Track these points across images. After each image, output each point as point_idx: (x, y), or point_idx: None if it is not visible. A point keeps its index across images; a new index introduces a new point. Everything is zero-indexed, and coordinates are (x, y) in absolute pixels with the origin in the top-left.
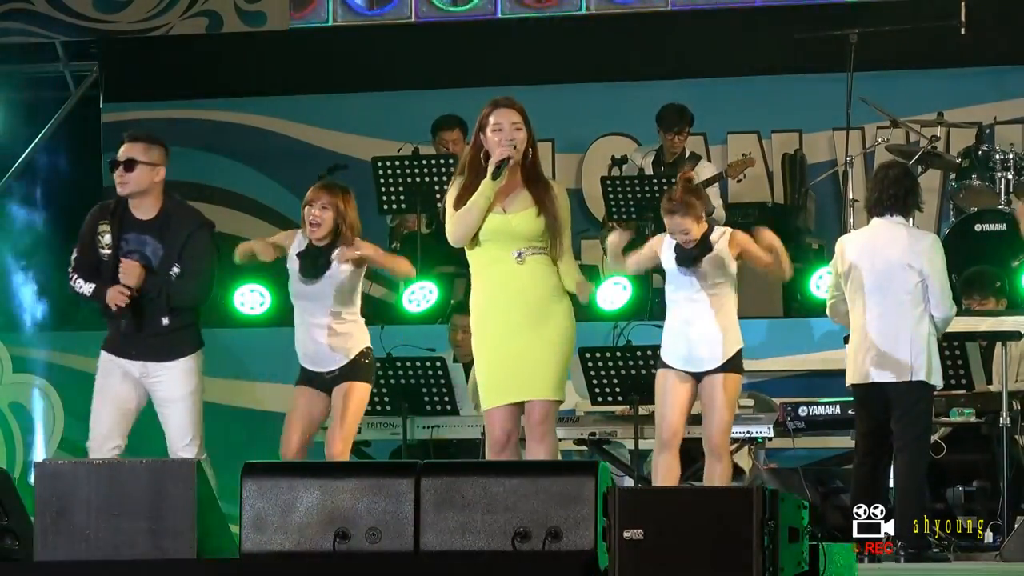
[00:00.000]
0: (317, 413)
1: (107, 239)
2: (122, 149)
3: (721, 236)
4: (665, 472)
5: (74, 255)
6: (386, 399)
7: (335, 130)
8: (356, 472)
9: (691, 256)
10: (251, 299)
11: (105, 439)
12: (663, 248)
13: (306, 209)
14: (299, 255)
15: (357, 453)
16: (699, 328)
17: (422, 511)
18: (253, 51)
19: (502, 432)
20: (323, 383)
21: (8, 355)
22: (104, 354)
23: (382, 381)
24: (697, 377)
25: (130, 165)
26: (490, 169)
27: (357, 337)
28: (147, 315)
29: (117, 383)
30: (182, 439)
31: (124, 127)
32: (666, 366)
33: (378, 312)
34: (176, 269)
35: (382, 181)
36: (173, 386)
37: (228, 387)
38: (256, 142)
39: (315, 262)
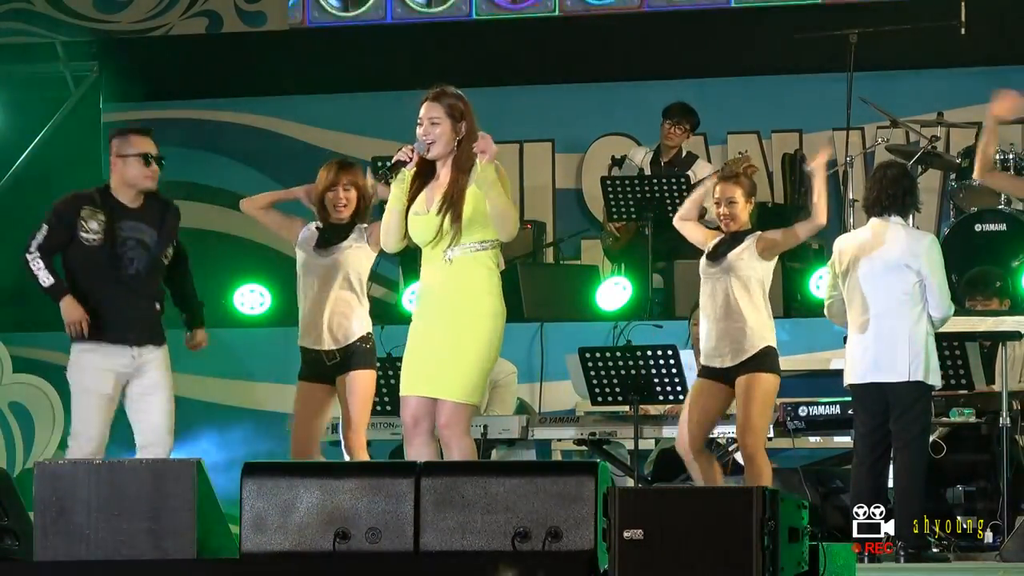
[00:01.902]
0: (319, 405)
1: (93, 225)
2: (150, 144)
3: (749, 236)
4: (697, 479)
5: (42, 235)
6: (386, 399)
7: (335, 130)
8: (356, 472)
9: (720, 251)
10: (251, 299)
11: (96, 449)
12: (710, 243)
13: (330, 194)
14: (318, 228)
15: None
16: (726, 324)
17: (422, 511)
18: (253, 51)
19: (411, 418)
20: (323, 370)
21: (8, 355)
22: (90, 351)
23: (382, 381)
24: (728, 376)
25: (160, 161)
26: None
27: (361, 321)
28: (145, 302)
29: (108, 388)
30: (166, 428)
31: (124, 127)
32: (701, 367)
33: (378, 312)
34: (170, 251)
35: None
36: (162, 372)
37: (228, 387)
38: (256, 142)
39: (335, 233)
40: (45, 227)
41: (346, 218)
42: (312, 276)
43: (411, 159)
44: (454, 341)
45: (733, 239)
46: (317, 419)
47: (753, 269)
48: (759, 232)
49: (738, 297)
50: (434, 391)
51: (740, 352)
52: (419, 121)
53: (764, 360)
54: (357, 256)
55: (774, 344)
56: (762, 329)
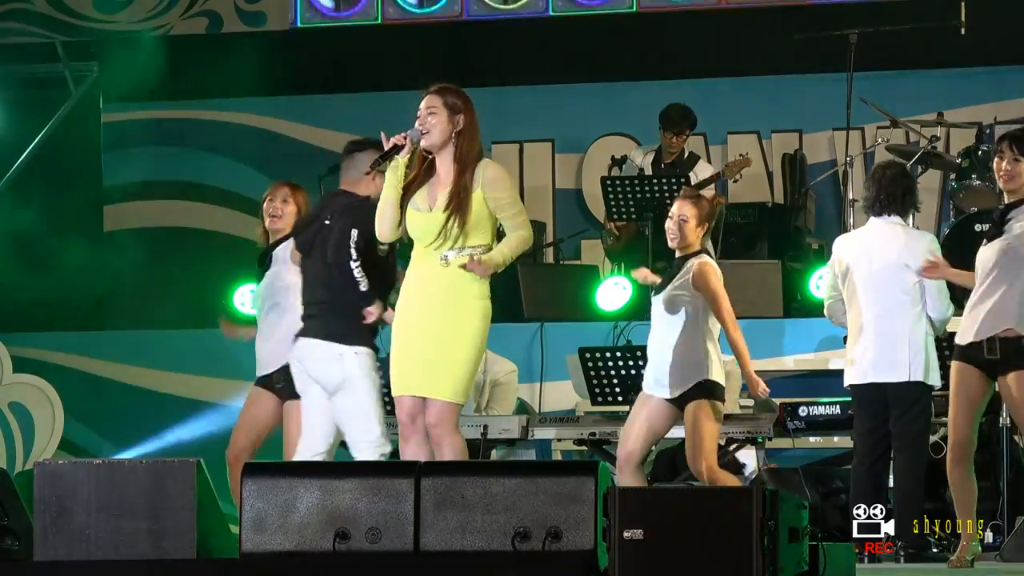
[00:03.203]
0: (264, 417)
1: None
2: None
3: (694, 263)
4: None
5: (356, 240)
6: (386, 399)
7: (335, 130)
8: (356, 472)
9: (664, 281)
10: (251, 299)
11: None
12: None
13: (267, 203)
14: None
15: None
16: (663, 354)
17: (422, 511)
18: (253, 51)
19: (407, 416)
20: (273, 390)
21: (8, 355)
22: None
23: (382, 382)
24: (675, 403)
25: None
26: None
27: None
28: None
29: None
30: None
31: (124, 127)
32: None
33: None
34: None
35: None
36: None
37: (228, 387)
38: (256, 142)
39: (264, 257)
40: (355, 232)
41: (279, 230)
42: (257, 304)
43: (404, 145)
44: (444, 341)
45: (676, 266)
46: (254, 426)
47: (690, 300)
48: (702, 259)
49: (677, 328)
50: (425, 390)
51: (674, 386)
52: (418, 114)
53: (699, 390)
54: (282, 275)
55: (711, 376)
56: (699, 361)
